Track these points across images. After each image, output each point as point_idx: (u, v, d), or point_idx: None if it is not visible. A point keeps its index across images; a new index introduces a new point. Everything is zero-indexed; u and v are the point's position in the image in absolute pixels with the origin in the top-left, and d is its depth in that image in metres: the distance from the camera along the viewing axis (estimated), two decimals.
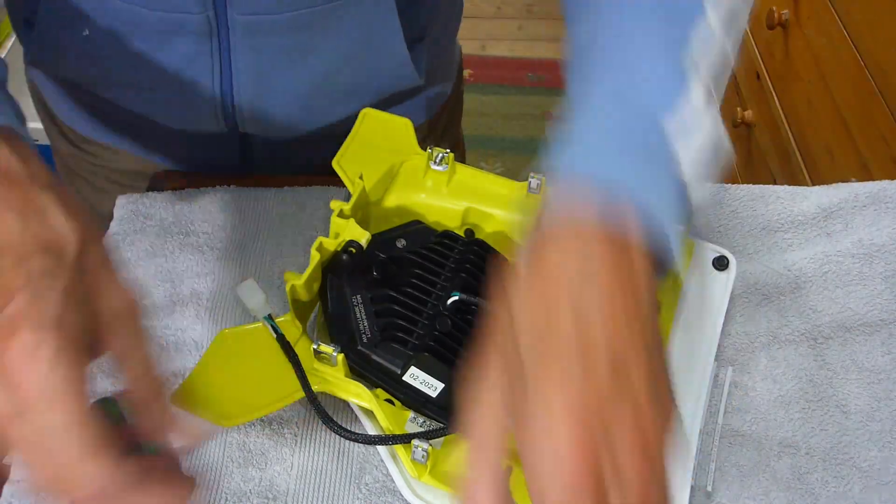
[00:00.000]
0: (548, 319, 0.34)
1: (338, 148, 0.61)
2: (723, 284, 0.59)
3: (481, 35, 2.53)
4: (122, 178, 0.77)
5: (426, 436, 0.47)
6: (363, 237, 0.55)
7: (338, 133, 0.63)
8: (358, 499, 0.53)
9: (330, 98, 0.70)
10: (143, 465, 0.35)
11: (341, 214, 0.56)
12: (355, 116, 0.64)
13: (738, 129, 1.51)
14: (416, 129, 0.64)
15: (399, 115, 0.65)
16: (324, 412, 0.48)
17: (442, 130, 0.84)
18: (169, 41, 0.61)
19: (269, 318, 0.52)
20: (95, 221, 0.39)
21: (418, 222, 0.59)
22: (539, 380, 0.33)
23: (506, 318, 0.36)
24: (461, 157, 0.93)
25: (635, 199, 0.37)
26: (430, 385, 0.50)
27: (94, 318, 0.36)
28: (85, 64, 0.65)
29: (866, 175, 1.08)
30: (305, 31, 0.62)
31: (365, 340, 0.52)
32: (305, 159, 0.74)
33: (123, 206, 0.69)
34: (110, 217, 0.68)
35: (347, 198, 0.58)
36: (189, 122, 0.69)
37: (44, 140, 0.82)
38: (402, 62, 0.68)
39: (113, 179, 0.78)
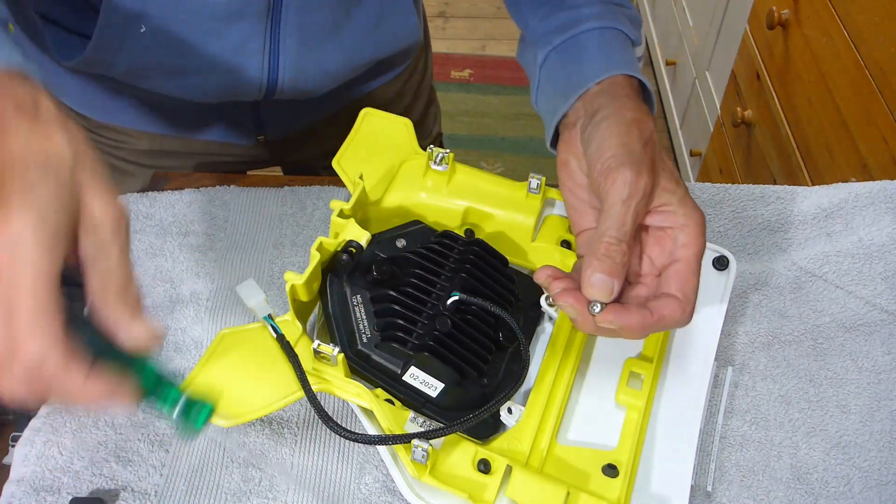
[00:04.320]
0: None
1: (334, 100, 0.65)
2: (723, 284, 0.59)
3: (481, 35, 2.53)
4: (136, 157, 0.81)
5: (426, 436, 0.47)
6: (363, 237, 0.55)
7: (351, 91, 0.76)
8: (358, 499, 0.53)
9: (355, 66, 0.75)
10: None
11: (341, 214, 0.56)
12: (364, 74, 0.74)
13: (738, 128, 1.50)
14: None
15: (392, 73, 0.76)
16: (324, 412, 0.48)
17: (415, 88, 0.89)
18: (228, 26, 0.64)
19: (270, 318, 0.52)
20: (90, 145, 0.41)
21: (418, 222, 0.59)
22: None
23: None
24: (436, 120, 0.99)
25: None
26: (430, 385, 0.50)
27: (76, 223, 0.39)
28: (138, 59, 0.67)
29: (866, 175, 1.07)
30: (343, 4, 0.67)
31: (365, 340, 0.52)
32: (313, 118, 0.81)
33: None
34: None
35: (347, 198, 0.58)
36: (228, 97, 0.72)
37: None
38: (411, 18, 0.74)
39: (128, 160, 0.81)
